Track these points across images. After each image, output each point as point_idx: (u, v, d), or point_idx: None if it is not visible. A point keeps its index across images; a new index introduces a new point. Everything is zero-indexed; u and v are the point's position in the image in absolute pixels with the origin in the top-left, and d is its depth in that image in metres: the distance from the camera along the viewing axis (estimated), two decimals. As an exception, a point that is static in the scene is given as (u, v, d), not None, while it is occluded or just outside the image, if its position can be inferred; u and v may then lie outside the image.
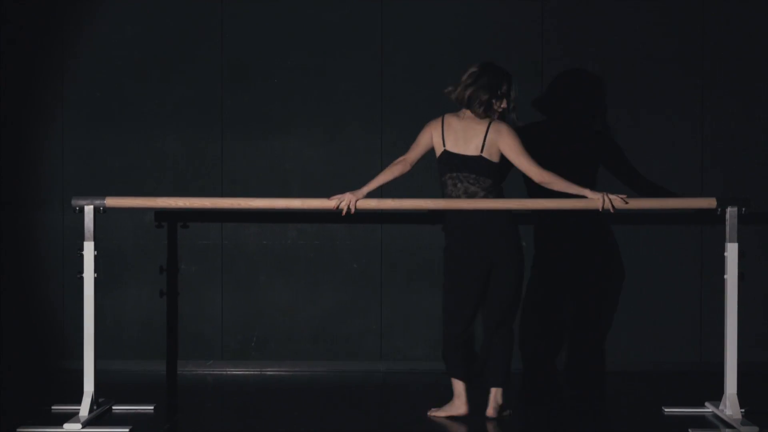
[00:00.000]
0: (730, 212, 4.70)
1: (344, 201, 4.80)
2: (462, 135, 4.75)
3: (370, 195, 4.84)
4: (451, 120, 4.79)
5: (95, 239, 4.72)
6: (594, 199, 4.68)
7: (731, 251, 4.70)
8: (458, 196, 4.74)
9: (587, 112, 5.88)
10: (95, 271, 4.74)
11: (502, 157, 4.77)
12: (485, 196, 4.72)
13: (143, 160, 5.88)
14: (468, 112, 4.79)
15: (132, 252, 5.86)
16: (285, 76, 5.89)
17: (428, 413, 4.85)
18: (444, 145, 4.77)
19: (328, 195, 5.80)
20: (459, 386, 4.82)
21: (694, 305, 5.87)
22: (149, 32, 5.87)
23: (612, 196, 4.67)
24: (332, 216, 5.89)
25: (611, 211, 4.68)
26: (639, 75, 5.86)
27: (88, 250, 4.71)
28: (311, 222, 5.88)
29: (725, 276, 4.71)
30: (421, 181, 5.68)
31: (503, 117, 4.81)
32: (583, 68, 5.85)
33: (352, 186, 5.80)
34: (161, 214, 5.83)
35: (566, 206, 4.86)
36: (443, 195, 4.80)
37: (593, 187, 4.94)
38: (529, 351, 5.82)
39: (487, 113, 4.77)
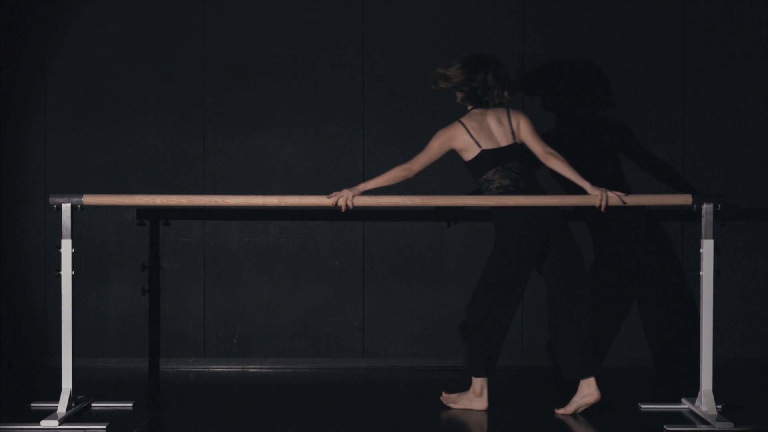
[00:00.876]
0: (706, 209, 4.69)
1: (342, 197, 4.74)
2: (491, 131, 4.76)
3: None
4: (471, 123, 4.78)
5: (77, 237, 4.73)
6: (593, 196, 4.62)
7: (707, 248, 4.69)
8: (510, 191, 4.69)
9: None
10: (75, 268, 4.75)
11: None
12: (528, 183, 4.72)
13: (126, 158, 5.89)
14: (479, 110, 4.81)
15: (114, 249, 5.87)
16: (267, 74, 5.90)
17: (443, 398, 4.92)
18: (480, 146, 4.74)
19: (309, 192, 5.84)
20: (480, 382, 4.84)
21: (675, 301, 5.89)
22: (131, 30, 5.88)
23: (611, 194, 4.62)
24: (314, 213, 5.92)
25: (601, 210, 4.65)
26: (620, 70, 5.87)
27: (66, 247, 4.70)
28: (293, 219, 5.90)
29: (701, 272, 4.71)
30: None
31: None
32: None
33: (334, 183, 5.84)
34: (143, 211, 5.85)
35: (553, 203, 4.72)
36: (488, 193, 4.74)
37: (600, 181, 4.82)
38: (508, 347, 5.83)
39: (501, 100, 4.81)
